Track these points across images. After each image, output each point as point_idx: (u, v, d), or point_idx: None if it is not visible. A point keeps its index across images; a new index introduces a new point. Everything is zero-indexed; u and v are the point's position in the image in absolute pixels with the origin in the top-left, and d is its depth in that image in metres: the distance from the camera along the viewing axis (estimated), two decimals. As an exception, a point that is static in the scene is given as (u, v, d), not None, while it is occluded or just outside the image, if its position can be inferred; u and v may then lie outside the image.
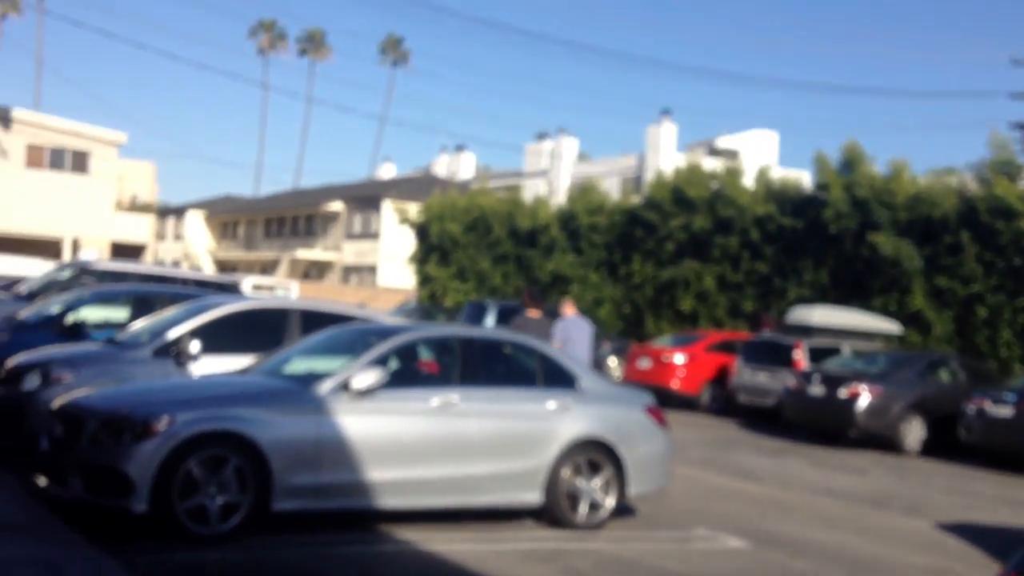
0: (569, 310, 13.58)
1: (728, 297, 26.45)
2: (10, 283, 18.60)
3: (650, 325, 28.07)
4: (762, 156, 42.54)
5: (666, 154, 47.87)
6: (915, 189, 23.07)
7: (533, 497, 8.73)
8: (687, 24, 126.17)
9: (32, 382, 9.52)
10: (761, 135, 52.69)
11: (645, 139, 50.83)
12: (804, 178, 28.97)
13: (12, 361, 10.07)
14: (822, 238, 24.22)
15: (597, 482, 8.94)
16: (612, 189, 40.63)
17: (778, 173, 29.29)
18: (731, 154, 44.55)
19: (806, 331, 20.43)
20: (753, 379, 20.25)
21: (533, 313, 12.84)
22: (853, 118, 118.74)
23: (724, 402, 21.22)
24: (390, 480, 8.10)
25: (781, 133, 58.74)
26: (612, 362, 24.27)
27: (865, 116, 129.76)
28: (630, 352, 23.42)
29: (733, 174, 27.66)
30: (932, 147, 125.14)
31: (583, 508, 8.86)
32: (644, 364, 22.07)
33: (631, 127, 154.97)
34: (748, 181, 27.45)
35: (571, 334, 12.95)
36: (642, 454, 9.19)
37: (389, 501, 8.14)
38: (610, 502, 8.99)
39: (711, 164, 31.76)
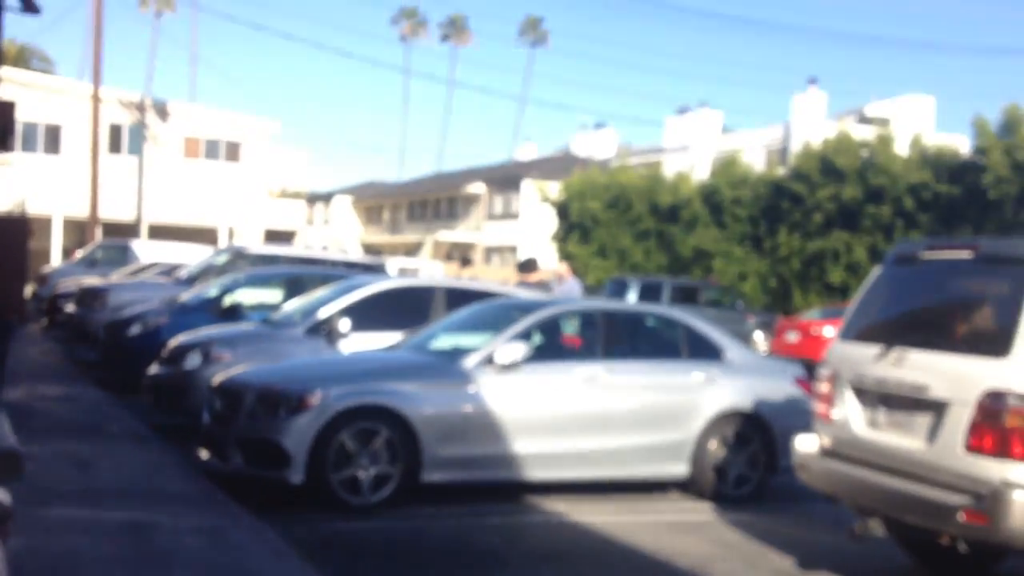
0: (567, 275, 14.68)
1: (880, 268, 25.62)
2: (171, 269, 19.43)
3: (798, 298, 27.46)
4: (917, 123, 40.88)
5: (813, 124, 46.46)
6: (1082, 150, 21.90)
7: (679, 469, 8.66)
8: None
9: (193, 361, 9.97)
10: (915, 100, 50.58)
11: (791, 109, 49.47)
12: (962, 144, 27.77)
13: (174, 342, 10.58)
14: (981, 204, 23.23)
15: (745, 455, 8.81)
16: (756, 161, 39.75)
17: (935, 140, 28.18)
18: (882, 121, 43.00)
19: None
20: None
21: (531, 278, 13.77)
22: (1015, 80, 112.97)
23: (877, 376, 20.54)
24: (536, 452, 8.15)
25: (937, 98, 56.07)
26: (758, 336, 23.82)
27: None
28: (777, 325, 22.94)
29: (885, 141, 26.77)
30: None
31: (731, 481, 8.75)
32: (792, 338, 21.58)
33: (775, 97, 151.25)
34: (901, 148, 26.51)
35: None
36: (792, 426, 8.96)
37: (535, 473, 8.20)
38: (758, 475, 8.85)
39: (861, 132, 30.76)
